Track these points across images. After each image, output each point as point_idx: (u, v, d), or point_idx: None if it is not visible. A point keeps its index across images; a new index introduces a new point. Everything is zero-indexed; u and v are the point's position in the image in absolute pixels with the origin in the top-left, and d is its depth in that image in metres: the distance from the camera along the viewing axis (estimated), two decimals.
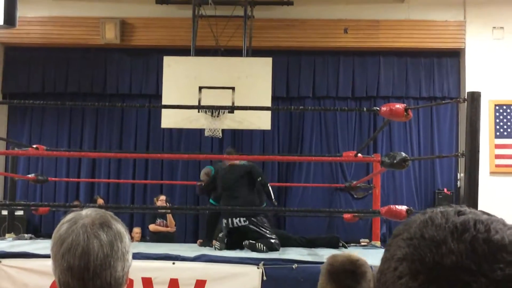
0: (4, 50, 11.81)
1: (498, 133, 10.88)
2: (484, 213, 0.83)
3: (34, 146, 8.28)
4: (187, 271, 4.91)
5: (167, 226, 9.87)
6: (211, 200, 8.04)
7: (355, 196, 11.32)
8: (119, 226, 1.62)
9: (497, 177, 10.72)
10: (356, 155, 7.39)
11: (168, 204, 9.79)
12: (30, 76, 11.68)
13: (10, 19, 10.22)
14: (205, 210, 11.04)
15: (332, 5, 11.33)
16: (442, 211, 0.83)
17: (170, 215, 9.83)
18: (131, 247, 1.65)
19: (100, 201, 10.57)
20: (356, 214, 8.28)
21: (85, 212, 1.63)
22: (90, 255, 1.54)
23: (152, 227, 9.93)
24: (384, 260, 0.84)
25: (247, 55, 10.24)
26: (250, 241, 6.56)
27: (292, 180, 11.40)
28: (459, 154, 5.11)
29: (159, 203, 9.78)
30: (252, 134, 11.33)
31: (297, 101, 11.58)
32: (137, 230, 10.41)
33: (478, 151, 4.74)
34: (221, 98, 8.96)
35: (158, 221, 9.90)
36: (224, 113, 9.07)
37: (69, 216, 1.64)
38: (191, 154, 10.69)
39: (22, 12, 10.58)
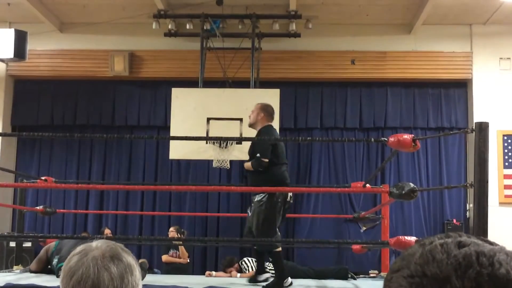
0: (13, 82, 11.90)
1: (506, 164, 10.84)
2: (484, 241, 0.81)
3: (43, 178, 8.31)
4: None
5: (179, 257, 9.79)
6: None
7: (364, 228, 11.24)
8: (130, 259, 1.61)
9: (506, 207, 10.65)
10: (364, 186, 7.36)
11: (178, 235, 9.68)
12: (39, 109, 11.75)
13: (20, 53, 10.37)
14: (213, 241, 11.05)
15: (339, 37, 11.40)
16: (442, 243, 0.81)
17: (182, 246, 9.73)
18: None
19: (107, 231, 10.55)
20: (364, 245, 8.23)
21: (95, 244, 1.62)
22: None
23: (165, 257, 9.85)
24: None
25: (255, 87, 10.31)
26: None
27: (301, 211, 11.34)
28: (467, 185, 5.10)
29: (170, 235, 9.73)
30: None
31: (305, 132, 11.60)
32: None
33: (487, 182, 4.72)
34: (229, 130, 8.99)
35: (171, 252, 9.83)
36: (232, 144, 9.10)
37: (79, 248, 1.63)
38: (199, 185, 10.69)
39: (31, 45, 10.75)
